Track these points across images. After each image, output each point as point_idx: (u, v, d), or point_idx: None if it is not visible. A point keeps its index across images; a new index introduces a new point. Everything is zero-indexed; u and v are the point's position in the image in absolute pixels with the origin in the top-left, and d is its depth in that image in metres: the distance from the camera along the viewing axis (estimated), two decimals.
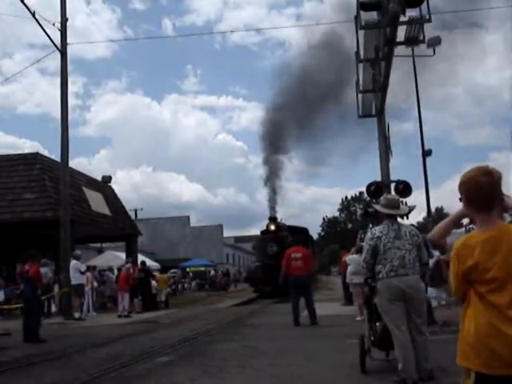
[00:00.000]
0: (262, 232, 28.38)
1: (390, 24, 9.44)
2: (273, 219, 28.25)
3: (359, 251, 10.23)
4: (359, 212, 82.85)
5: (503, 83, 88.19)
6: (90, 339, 10.38)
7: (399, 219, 6.08)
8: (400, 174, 13.11)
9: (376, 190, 11.58)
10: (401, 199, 8.58)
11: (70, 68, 17.14)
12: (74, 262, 15.50)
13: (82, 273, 15.79)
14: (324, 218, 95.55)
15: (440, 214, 57.45)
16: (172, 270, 36.09)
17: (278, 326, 11.23)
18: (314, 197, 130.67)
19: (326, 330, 10.19)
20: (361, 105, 13.26)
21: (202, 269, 43.96)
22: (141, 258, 25.05)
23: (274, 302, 20.55)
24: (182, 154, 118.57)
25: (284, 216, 73.56)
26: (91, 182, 22.98)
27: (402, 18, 9.52)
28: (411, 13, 9.61)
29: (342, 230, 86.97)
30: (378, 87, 11.69)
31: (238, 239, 71.14)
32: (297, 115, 27.37)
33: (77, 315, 15.10)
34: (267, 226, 27.70)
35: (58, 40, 16.45)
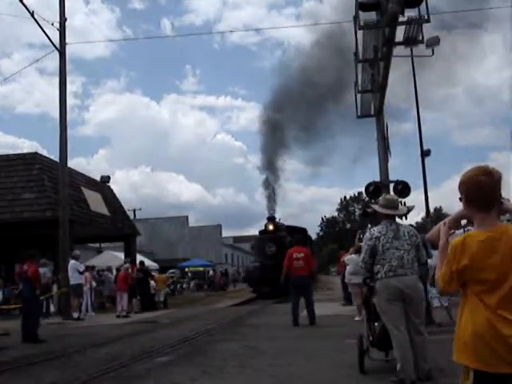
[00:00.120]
0: (261, 232, 28.16)
1: (389, 24, 9.45)
2: (271, 219, 28.05)
3: (358, 251, 10.23)
4: (358, 212, 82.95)
5: (503, 83, 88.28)
6: (89, 339, 10.37)
7: (398, 219, 6.09)
8: (399, 174, 13.18)
9: (375, 190, 11.59)
10: (399, 199, 8.58)
11: (68, 68, 17.12)
12: (72, 262, 15.49)
13: (81, 273, 15.77)
14: (323, 218, 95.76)
15: (439, 214, 57.46)
16: (171, 270, 36.15)
17: (278, 326, 11.23)
18: (313, 197, 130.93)
19: (325, 330, 10.20)
20: (360, 105, 13.27)
21: (201, 269, 43.99)
22: (139, 257, 25.00)
23: (273, 302, 20.54)
24: (181, 154, 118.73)
25: (282, 216, 73.75)
26: (90, 182, 22.98)
27: (401, 18, 9.52)
28: (410, 13, 9.64)
29: (341, 230, 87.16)
30: (377, 87, 11.70)
31: (237, 239, 71.12)
32: (296, 115, 27.40)
33: (75, 315, 15.09)
34: (265, 226, 27.48)
35: (56, 40, 16.46)
